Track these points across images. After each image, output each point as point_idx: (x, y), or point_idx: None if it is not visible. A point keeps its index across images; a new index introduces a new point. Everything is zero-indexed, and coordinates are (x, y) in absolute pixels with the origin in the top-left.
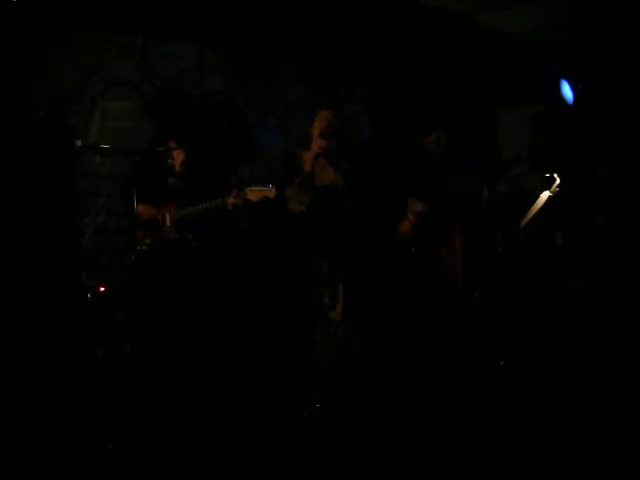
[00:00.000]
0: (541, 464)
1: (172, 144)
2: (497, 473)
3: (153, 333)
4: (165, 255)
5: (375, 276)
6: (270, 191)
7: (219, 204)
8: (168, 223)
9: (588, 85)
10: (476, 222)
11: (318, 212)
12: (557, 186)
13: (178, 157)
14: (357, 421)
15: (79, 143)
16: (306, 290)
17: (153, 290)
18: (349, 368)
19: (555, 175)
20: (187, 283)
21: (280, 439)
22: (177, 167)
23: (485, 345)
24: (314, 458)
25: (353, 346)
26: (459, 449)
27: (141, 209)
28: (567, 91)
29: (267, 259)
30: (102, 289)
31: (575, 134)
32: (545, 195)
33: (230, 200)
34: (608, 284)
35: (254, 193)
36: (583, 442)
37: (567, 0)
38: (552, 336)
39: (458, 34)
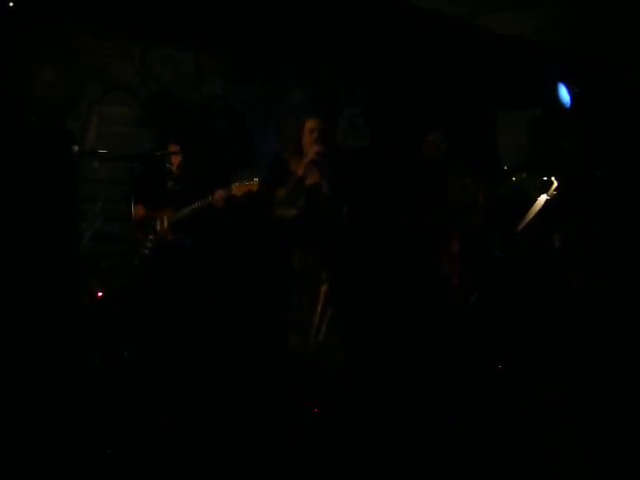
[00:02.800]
0: (541, 464)
1: (173, 148)
2: (497, 473)
3: (154, 335)
4: (164, 257)
5: (375, 278)
6: (253, 184)
7: (207, 202)
8: (166, 226)
9: (588, 87)
10: (475, 225)
11: (311, 215)
12: (555, 189)
13: (175, 160)
14: (357, 421)
15: (77, 148)
16: (297, 289)
17: (153, 293)
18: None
19: (552, 178)
20: (185, 284)
21: (282, 439)
22: (174, 170)
23: (485, 345)
24: (313, 458)
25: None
26: (459, 449)
27: (138, 211)
28: (567, 93)
29: (259, 259)
30: (100, 294)
31: (574, 136)
32: (543, 198)
33: (216, 196)
34: (608, 285)
35: (238, 188)
36: (583, 442)
37: (567, 2)
38: (552, 336)
39: (457, 37)
